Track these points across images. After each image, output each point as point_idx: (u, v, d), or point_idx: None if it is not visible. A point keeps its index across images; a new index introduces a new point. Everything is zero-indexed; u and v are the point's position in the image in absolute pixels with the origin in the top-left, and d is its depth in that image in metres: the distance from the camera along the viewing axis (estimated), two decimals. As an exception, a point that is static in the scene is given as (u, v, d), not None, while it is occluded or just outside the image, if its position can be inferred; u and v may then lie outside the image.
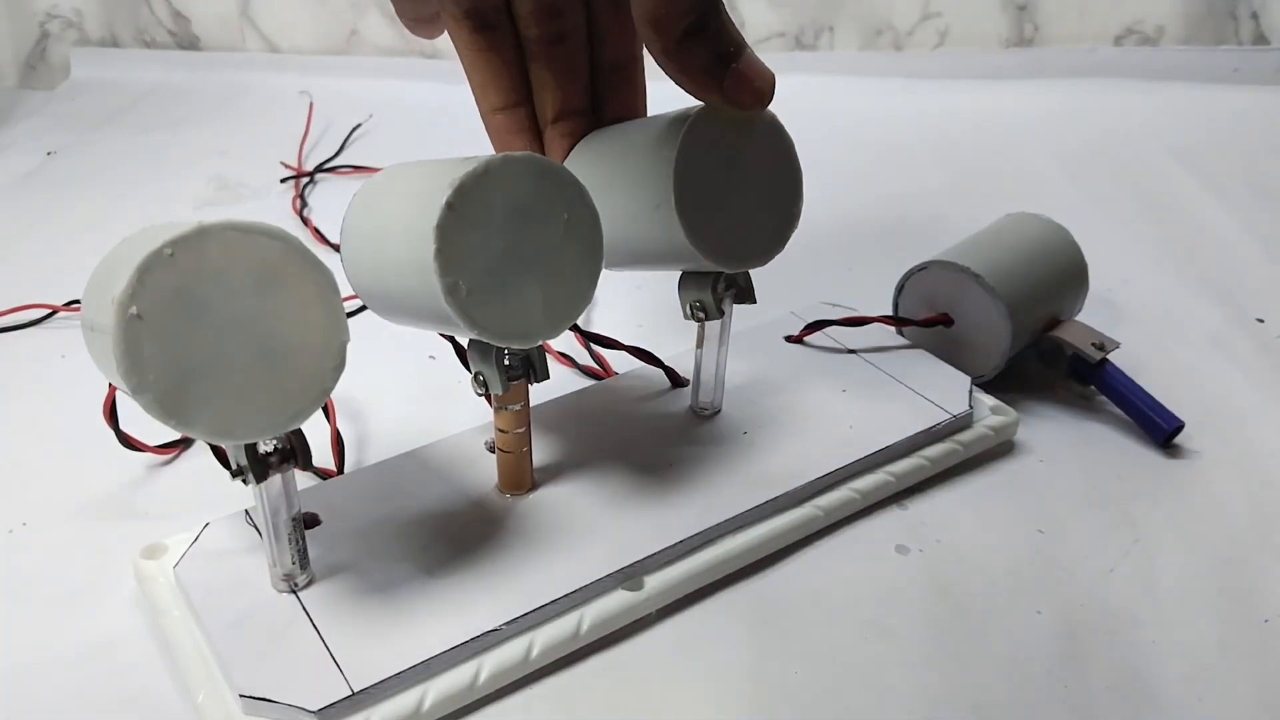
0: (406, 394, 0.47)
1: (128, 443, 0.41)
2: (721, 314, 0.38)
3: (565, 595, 0.33)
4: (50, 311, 0.54)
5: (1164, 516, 0.39)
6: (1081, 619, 0.35)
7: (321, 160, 0.76)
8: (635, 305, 0.54)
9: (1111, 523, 0.39)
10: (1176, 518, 0.39)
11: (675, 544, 0.35)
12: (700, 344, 0.40)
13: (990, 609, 0.35)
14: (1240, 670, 0.33)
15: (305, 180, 0.72)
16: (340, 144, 0.78)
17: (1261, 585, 0.36)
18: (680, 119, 0.33)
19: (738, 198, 0.35)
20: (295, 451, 0.29)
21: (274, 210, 0.68)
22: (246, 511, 0.36)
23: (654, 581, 0.35)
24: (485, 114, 0.38)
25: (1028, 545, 0.38)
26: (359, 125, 0.81)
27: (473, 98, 0.38)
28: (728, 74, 0.32)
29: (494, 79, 0.37)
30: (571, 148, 0.37)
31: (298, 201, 0.68)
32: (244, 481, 0.29)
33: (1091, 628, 0.34)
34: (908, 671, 0.33)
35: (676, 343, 0.45)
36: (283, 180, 0.73)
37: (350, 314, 0.29)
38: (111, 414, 0.40)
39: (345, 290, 0.29)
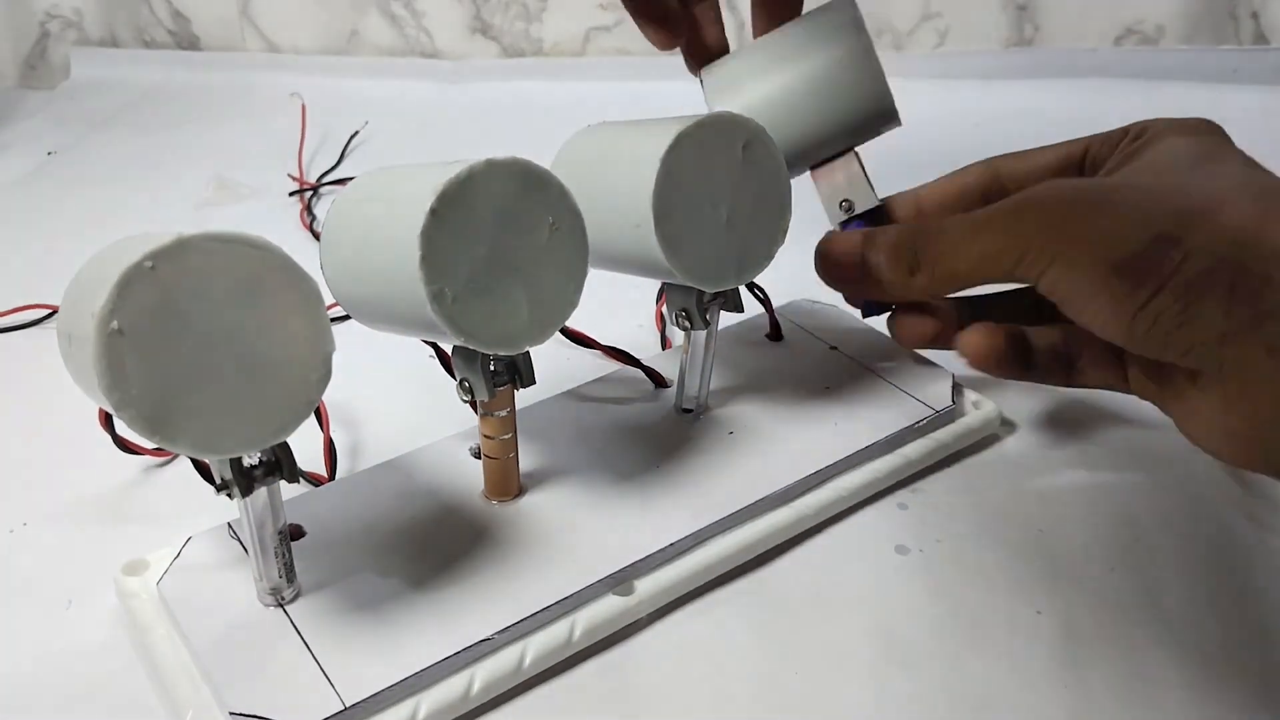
0: (403, 399, 0.47)
1: (125, 446, 0.41)
2: (707, 324, 0.38)
3: (556, 602, 0.33)
4: (50, 311, 0.55)
5: (1164, 516, 0.39)
6: (1081, 619, 0.35)
7: (324, 167, 0.75)
8: (635, 304, 0.54)
9: (1111, 522, 0.39)
10: (1176, 518, 0.39)
11: (665, 547, 0.35)
12: (687, 350, 0.40)
13: (990, 609, 0.35)
14: (1240, 670, 0.33)
15: (309, 193, 0.72)
16: (340, 153, 0.78)
17: (1261, 585, 0.36)
18: (665, 134, 0.33)
19: (722, 216, 0.34)
20: (280, 464, 0.29)
21: (274, 210, 0.68)
22: (229, 525, 0.36)
23: (645, 585, 0.35)
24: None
25: (1028, 545, 0.38)
26: (356, 133, 0.81)
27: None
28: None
29: None
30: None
31: (305, 215, 0.68)
32: (229, 496, 0.29)
33: (1091, 628, 0.34)
34: (907, 671, 0.33)
35: (676, 339, 0.45)
36: (291, 194, 0.72)
37: (339, 319, 0.29)
38: (107, 420, 0.40)
39: (330, 299, 0.29)
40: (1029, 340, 0.38)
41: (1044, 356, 0.38)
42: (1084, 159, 0.40)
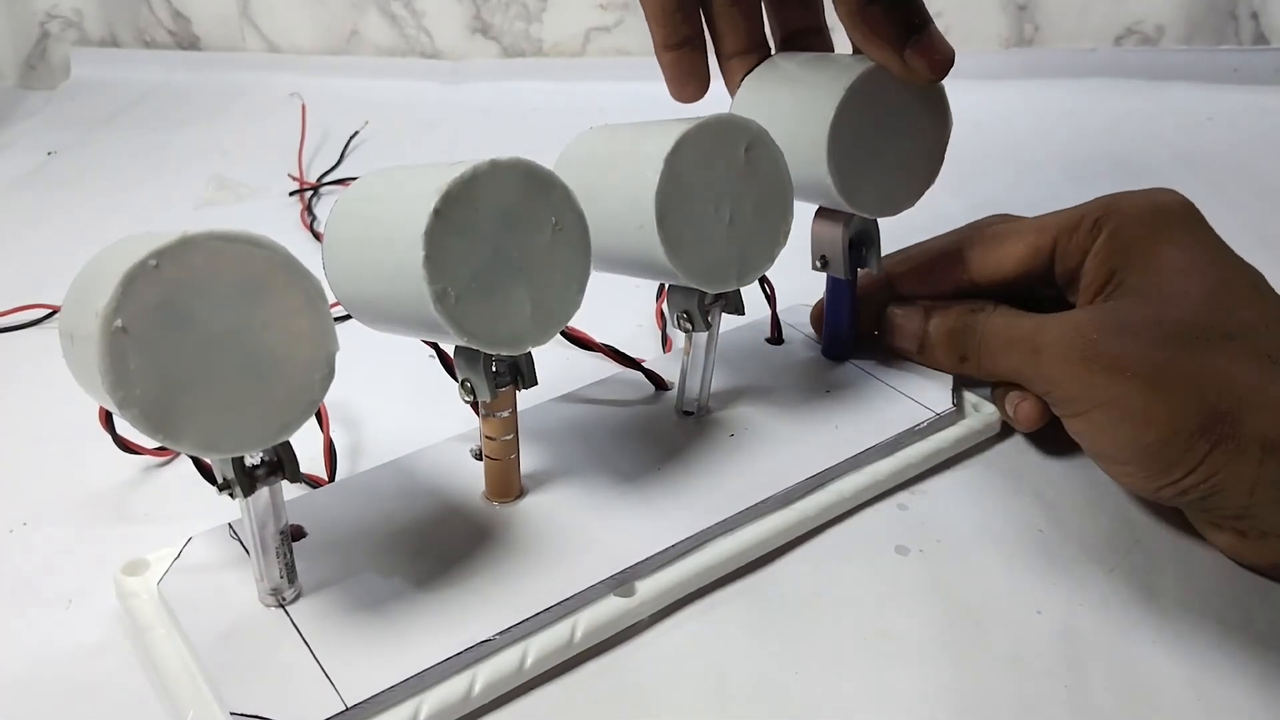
0: (403, 399, 0.47)
1: (125, 446, 0.41)
2: (709, 326, 0.38)
3: (557, 603, 0.33)
4: (50, 311, 0.55)
5: (1164, 516, 0.39)
6: (1081, 619, 0.35)
7: (324, 167, 0.75)
8: (635, 304, 0.54)
9: (1111, 523, 0.39)
10: (1176, 517, 0.39)
11: (666, 549, 0.35)
12: (688, 351, 0.40)
13: (990, 609, 0.35)
14: (1240, 670, 0.33)
15: (310, 193, 0.72)
16: (340, 153, 0.78)
17: (1259, 585, 0.36)
18: (667, 135, 0.33)
19: (724, 218, 0.35)
20: (283, 463, 0.29)
21: (274, 210, 0.68)
22: (230, 525, 0.36)
23: (646, 587, 0.35)
24: (657, 49, 0.39)
25: (1028, 545, 0.38)
26: (356, 133, 0.81)
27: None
28: (910, 43, 0.33)
29: (666, 16, 0.38)
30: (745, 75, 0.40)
31: (305, 215, 0.68)
32: (230, 495, 0.29)
33: (1091, 628, 0.34)
34: (908, 671, 0.33)
35: (677, 341, 0.45)
36: (291, 193, 0.72)
37: (339, 319, 0.29)
38: (108, 419, 0.40)
39: (332, 299, 0.29)
40: None
41: None
42: (1052, 252, 0.41)
